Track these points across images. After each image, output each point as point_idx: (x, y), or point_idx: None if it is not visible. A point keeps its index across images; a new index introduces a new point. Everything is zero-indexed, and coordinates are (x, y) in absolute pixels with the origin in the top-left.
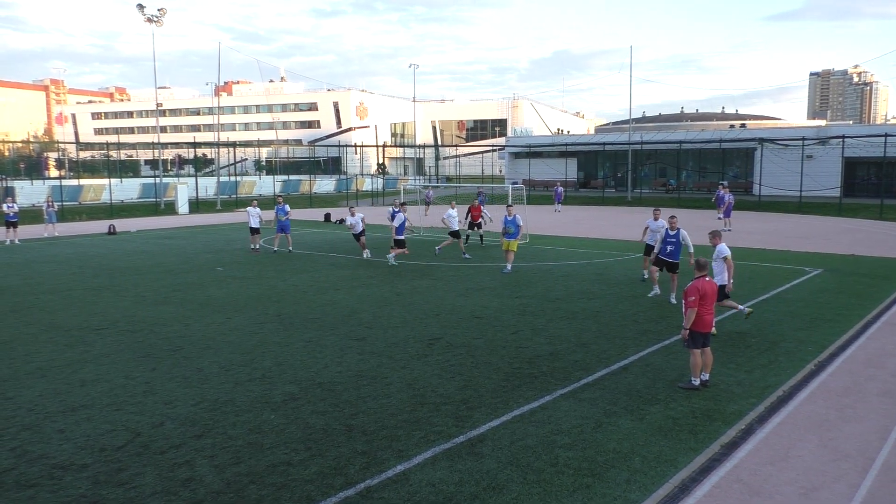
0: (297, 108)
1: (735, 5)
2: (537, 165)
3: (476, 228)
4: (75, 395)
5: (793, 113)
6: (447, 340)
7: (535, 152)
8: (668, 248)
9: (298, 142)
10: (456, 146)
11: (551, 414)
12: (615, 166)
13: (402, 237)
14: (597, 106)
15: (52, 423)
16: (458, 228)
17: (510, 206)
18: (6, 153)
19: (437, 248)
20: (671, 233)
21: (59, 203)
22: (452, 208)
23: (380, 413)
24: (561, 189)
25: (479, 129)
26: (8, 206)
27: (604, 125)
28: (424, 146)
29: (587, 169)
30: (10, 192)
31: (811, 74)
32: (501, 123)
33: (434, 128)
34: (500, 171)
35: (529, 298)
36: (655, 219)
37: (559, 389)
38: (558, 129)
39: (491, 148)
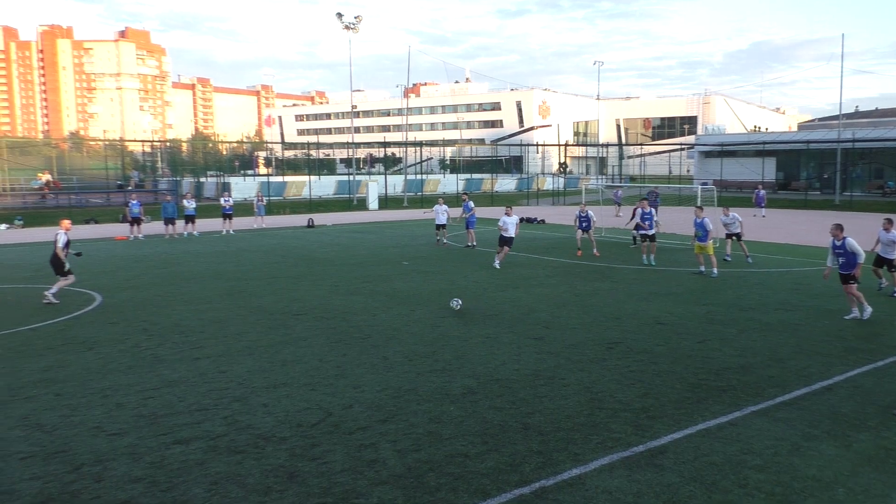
0: (481, 107)
1: None
2: (730, 165)
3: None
4: (277, 374)
5: None
6: (627, 345)
7: (728, 151)
8: (841, 259)
9: (481, 141)
10: (641, 145)
11: (741, 431)
12: (821, 166)
13: (651, 232)
14: (800, 101)
15: (258, 398)
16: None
17: (699, 207)
18: (224, 152)
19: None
20: (837, 244)
21: (267, 197)
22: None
23: (556, 414)
24: (763, 192)
25: (667, 127)
26: (224, 200)
27: (808, 121)
28: (608, 145)
29: (787, 169)
30: (226, 188)
31: None
32: (690, 121)
33: (618, 126)
34: (689, 171)
35: (717, 306)
36: (886, 230)
37: (750, 406)
38: (755, 127)
39: (679, 146)
